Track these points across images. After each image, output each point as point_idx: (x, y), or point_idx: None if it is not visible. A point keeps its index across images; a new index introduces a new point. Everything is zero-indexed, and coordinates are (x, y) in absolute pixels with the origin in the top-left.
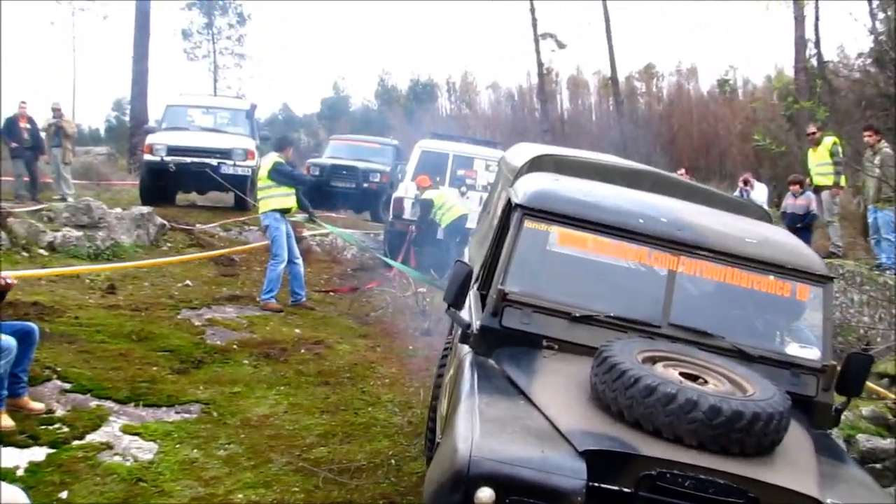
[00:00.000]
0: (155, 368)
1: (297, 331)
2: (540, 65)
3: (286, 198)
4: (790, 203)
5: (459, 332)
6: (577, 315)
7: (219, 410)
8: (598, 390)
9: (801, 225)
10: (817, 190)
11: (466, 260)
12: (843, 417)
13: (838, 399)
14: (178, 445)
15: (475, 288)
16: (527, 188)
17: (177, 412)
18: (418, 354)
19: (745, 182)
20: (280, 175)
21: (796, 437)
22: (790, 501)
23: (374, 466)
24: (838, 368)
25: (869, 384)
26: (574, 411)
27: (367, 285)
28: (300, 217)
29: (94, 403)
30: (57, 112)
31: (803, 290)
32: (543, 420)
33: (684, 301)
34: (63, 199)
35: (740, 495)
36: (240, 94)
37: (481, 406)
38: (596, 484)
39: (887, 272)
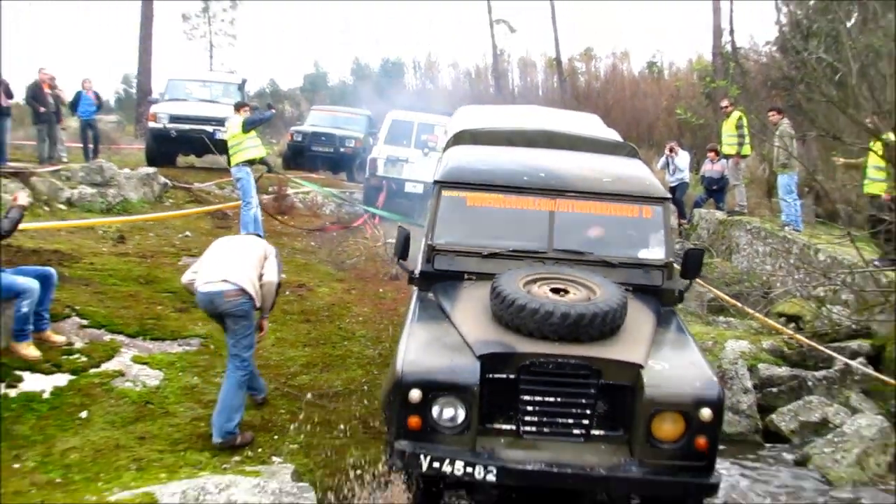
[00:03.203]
0: (160, 307)
1: (283, 275)
2: (494, 47)
3: (256, 148)
4: (707, 168)
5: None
6: (486, 253)
7: (215, 343)
8: (493, 310)
9: (717, 187)
10: (727, 157)
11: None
12: (747, 350)
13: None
14: (180, 373)
15: (425, 239)
16: (443, 165)
17: (179, 345)
18: (387, 296)
19: (671, 150)
20: (252, 123)
21: (640, 319)
22: (620, 368)
23: (349, 392)
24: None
25: (769, 322)
26: (478, 326)
27: (354, 223)
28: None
29: (108, 337)
30: (51, 80)
31: (647, 210)
32: (457, 336)
33: (563, 231)
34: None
35: (587, 370)
36: (232, 70)
37: (414, 331)
38: (491, 375)
39: (786, 227)
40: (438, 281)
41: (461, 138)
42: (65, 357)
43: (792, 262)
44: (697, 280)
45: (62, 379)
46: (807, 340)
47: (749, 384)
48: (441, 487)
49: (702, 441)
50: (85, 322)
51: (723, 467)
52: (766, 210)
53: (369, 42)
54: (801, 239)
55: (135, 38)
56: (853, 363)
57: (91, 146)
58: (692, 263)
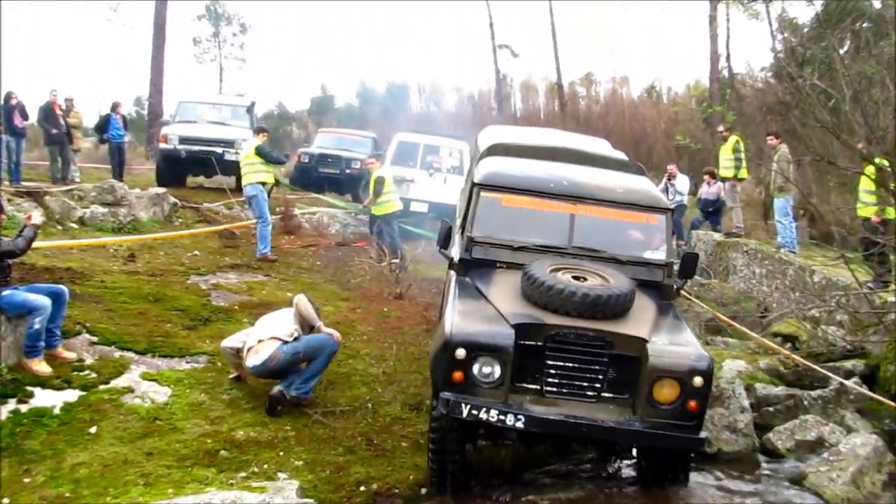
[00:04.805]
0: (169, 325)
1: (290, 294)
2: (497, 71)
3: (267, 173)
4: (704, 191)
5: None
6: (516, 246)
7: (223, 361)
8: (524, 290)
9: (713, 209)
10: (723, 180)
11: (457, 209)
12: (743, 369)
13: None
14: (188, 390)
15: (459, 232)
16: (482, 171)
17: (187, 362)
18: (391, 315)
19: (671, 177)
20: (264, 153)
21: (644, 306)
22: (629, 341)
23: (353, 409)
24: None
25: (766, 342)
26: (511, 303)
27: (355, 244)
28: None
29: (117, 354)
30: (69, 104)
31: (653, 218)
32: (493, 310)
33: (581, 231)
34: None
35: (601, 340)
36: (241, 93)
37: (458, 306)
38: (522, 342)
39: (782, 249)
40: (474, 268)
41: (494, 150)
42: (75, 373)
43: (788, 283)
44: (695, 300)
45: (72, 395)
46: (803, 360)
47: (746, 403)
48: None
49: (693, 404)
50: (95, 339)
51: (721, 484)
52: (762, 232)
53: (374, 62)
54: (796, 261)
55: (147, 61)
56: (848, 383)
57: (118, 169)
58: (688, 265)
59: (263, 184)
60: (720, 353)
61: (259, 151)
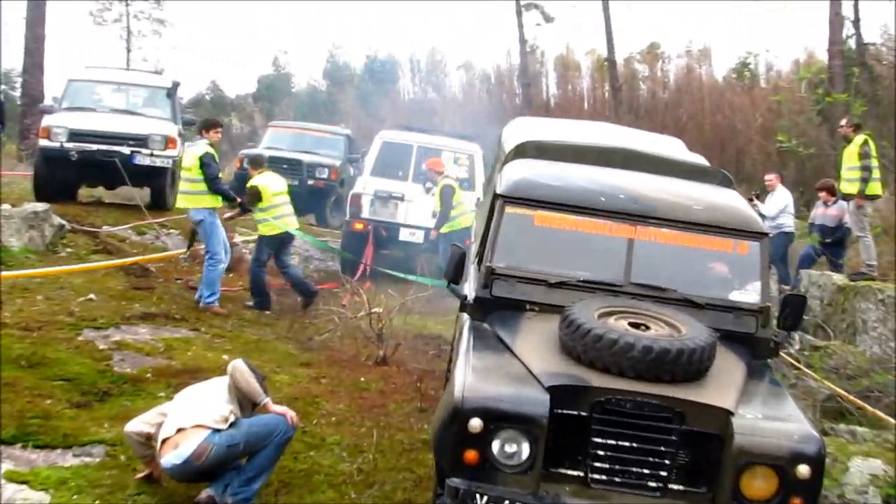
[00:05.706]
0: (49, 401)
1: (226, 357)
2: (523, 41)
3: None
4: (819, 213)
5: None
6: (553, 282)
7: (128, 453)
8: (563, 341)
9: (833, 239)
10: (846, 198)
11: (473, 230)
12: (880, 473)
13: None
14: (75, 496)
15: (475, 262)
16: (507, 178)
17: (75, 455)
18: (371, 388)
19: (754, 198)
20: (208, 173)
21: (729, 366)
22: (707, 413)
23: None
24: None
25: None
26: (545, 358)
27: (321, 286)
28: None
29: None
30: None
31: (743, 246)
32: (521, 367)
33: (643, 262)
34: None
35: (669, 411)
36: (159, 69)
37: (473, 360)
38: (560, 410)
39: None
40: (495, 310)
41: (524, 150)
42: None
43: None
44: (805, 369)
45: None
46: None
47: None
48: None
49: (797, 502)
50: None
51: None
52: None
53: (350, 26)
54: None
55: (20, 20)
56: None
57: None
58: (792, 312)
59: (214, 208)
60: (844, 447)
61: (202, 164)
